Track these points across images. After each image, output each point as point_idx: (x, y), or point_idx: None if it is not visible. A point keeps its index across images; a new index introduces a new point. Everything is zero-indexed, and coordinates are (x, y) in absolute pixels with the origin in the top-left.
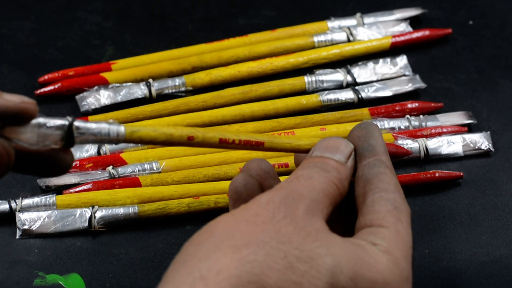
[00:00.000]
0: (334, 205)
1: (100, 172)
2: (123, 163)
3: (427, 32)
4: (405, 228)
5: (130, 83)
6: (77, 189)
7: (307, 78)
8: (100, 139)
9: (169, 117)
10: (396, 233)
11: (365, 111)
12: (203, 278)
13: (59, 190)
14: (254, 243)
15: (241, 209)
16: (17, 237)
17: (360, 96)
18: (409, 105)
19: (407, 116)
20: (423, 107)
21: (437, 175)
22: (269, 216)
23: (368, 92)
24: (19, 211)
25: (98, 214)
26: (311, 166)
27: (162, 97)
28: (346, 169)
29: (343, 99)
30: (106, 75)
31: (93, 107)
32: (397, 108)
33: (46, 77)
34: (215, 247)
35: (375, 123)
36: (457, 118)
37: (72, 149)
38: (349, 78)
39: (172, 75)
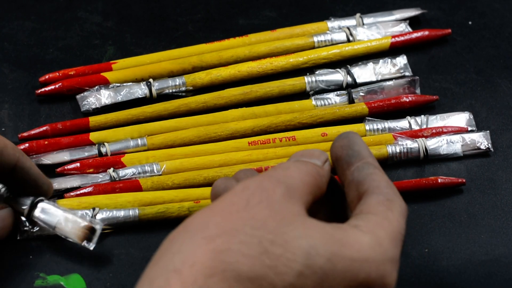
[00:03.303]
0: (314, 196)
1: (101, 176)
2: (123, 166)
3: (426, 33)
4: (395, 216)
5: (130, 83)
6: (78, 192)
7: (307, 79)
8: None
9: (169, 120)
10: (383, 219)
11: (362, 105)
12: (177, 271)
13: (60, 193)
14: (227, 232)
15: (218, 201)
16: (18, 238)
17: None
18: (405, 99)
19: (407, 117)
20: (419, 100)
21: (439, 181)
22: (243, 203)
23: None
24: None
25: (99, 217)
26: (286, 163)
27: (162, 97)
28: (323, 169)
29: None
30: (106, 74)
31: (93, 106)
32: (393, 101)
33: (46, 76)
34: (189, 240)
35: (375, 124)
36: (458, 121)
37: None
38: (349, 79)
39: (172, 75)
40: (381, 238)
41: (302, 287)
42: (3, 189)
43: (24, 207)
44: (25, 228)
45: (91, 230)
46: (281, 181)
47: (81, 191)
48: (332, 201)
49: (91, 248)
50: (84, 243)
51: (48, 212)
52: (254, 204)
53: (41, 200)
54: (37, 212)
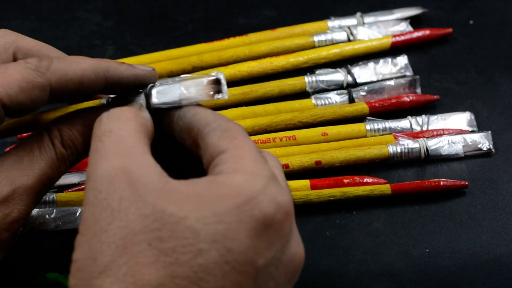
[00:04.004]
0: (149, 136)
1: None
2: None
3: (427, 32)
4: (242, 140)
5: None
6: (77, 189)
7: (307, 78)
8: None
9: None
10: (236, 150)
11: (362, 104)
12: None
13: (60, 190)
14: (116, 254)
15: (82, 220)
16: (17, 234)
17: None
18: (406, 98)
19: (408, 117)
20: (419, 99)
21: (441, 183)
22: (107, 213)
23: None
24: None
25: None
26: (103, 118)
27: None
28: (141, 110)
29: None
30: None
31: None
32: (393, 101)
33: None
34: (88, 284)
35: (376, 123)
36: (459, 120)
37: None
38: (349, 78)
39: (172, 75)
40: (248, 169)
41: (211, 260)
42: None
43: (140, 103)
44: (24, 224)
45: (216, 82)
46: (122, 155)
47: (81, 187)
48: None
49: (226, 98)
50: (216, 97)
51: (164, 93)
52: (116, 207)
53: (152, 87)
54: (154, 99)
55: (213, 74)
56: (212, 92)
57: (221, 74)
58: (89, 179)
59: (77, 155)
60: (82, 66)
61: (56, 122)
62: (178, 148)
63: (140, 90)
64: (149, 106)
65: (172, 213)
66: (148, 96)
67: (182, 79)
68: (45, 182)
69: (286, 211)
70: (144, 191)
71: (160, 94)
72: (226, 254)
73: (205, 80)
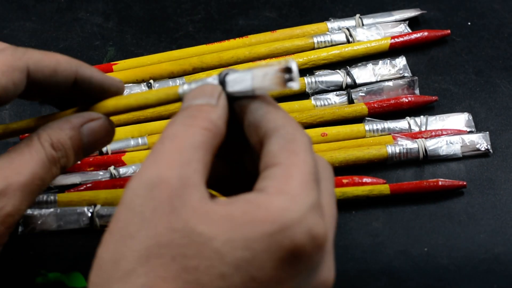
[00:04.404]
0: (213, 149)
1: (101, 173)
2: (124, 164)
3: (425, 33)
4: (301, 158)
5: (131, 84)
6: (79, 189)
7: (307, 79)
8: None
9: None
10: (289, 167)
11: (361, 105)
12: None
13: (61, 190)
14: (138, 261)
15: (111, 223)
16: (19, 233)
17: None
18: (404, 99)
19: (407, 117)
20: (418, 100)
21: (440, 183)
22: (138, 220)
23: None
24: None
25: (100, 213)
26: (177, 117)
27: None
28: (217, 108)
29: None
30: None
31: None
32: (392, 102)
33: None
34: (104, 282)
35: (375, 124)
36: (457, 121)
37: None
38: (348, 79)
39: (173, 76)
40: (292, 192)
41: (232, 286)
42: (185, 86)
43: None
44: (26, 223)
45: (287, 71)
46: (174, 166)
47: (83, 188)
48: (240, 133)
49: (298, 87)
50: (288, 86)
51: (238, 81)
52: (149, 216)
53: (226, 74)
54: (229, 87)
55: (284, 61)
56: (283, 81)
57: (294, 61)
58: (133, 179)
59: (67, 158)
60: (56, 57)
61: (45, 128)
62: (244, 142)
63: (214, 77)
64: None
65: (202, 233)
66: (223, 84)
67: (249, 69)
68: (37, 181)
69: (319, 244)
70: (180, 206)
71: (234, 82)
72: (249, 281)
73: (276, 68)
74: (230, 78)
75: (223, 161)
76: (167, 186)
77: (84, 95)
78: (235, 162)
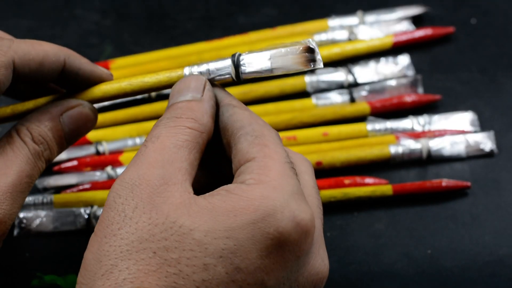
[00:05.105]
0: (200, 146)
1: (99, 173)
2: (121, 164)
3: (429, 31)
4: (273, 149)
5: None
6: (75, 189)
7: (308, 78)
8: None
9: None
10: (263, 159)
11: (363, 104)
12: None
13: (57, 191)
14: (120, 257)
15: (97, 224)
16: (15, 235)
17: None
18: (407, 98)
19: (410, 116)
20: (421, 99)
21: (443, 184)
22: (120, 218)
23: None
24: None
25: (97, 214)
26: (161, 119)
27: (161, 97)
28: (202, 103)
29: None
30: None
31: None
32: (395, 101)
33: None
34: (92, 284)
35: (377, 123)
36: (461, 120)
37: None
38: (350, 78)
39: None
40: (272, 181)
41: (217, 277)
42: (194, 68)
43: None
44: (22, 225)
45: (309, 51)
46: (155, 166)
47: (79, 188)
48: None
49: (322, 67)
50: (311, 66)
51: (255, 61)
52: (130, 213)
53: (240, 55)
54: (244, 68)
55: (305, 41)
56: (304, 61)
57: (313, 40)
58: (116, 181)
59: (50, 150)
60: (44, 47)
61: (23, 122)
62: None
63: (227, 58)
64: (238, 75)
65: (183, 225)
66: (237, 64)
67: (273, 47)
68: (25, 179)
69: (305, 230)
70: (161, 203)
71: (250, 63)
72: (234, 272)
73: (298, 48)
74: (246, 59)
75: (203, 171)
76: (148, 185)
77: (70, 84)
78: (216, 170)
